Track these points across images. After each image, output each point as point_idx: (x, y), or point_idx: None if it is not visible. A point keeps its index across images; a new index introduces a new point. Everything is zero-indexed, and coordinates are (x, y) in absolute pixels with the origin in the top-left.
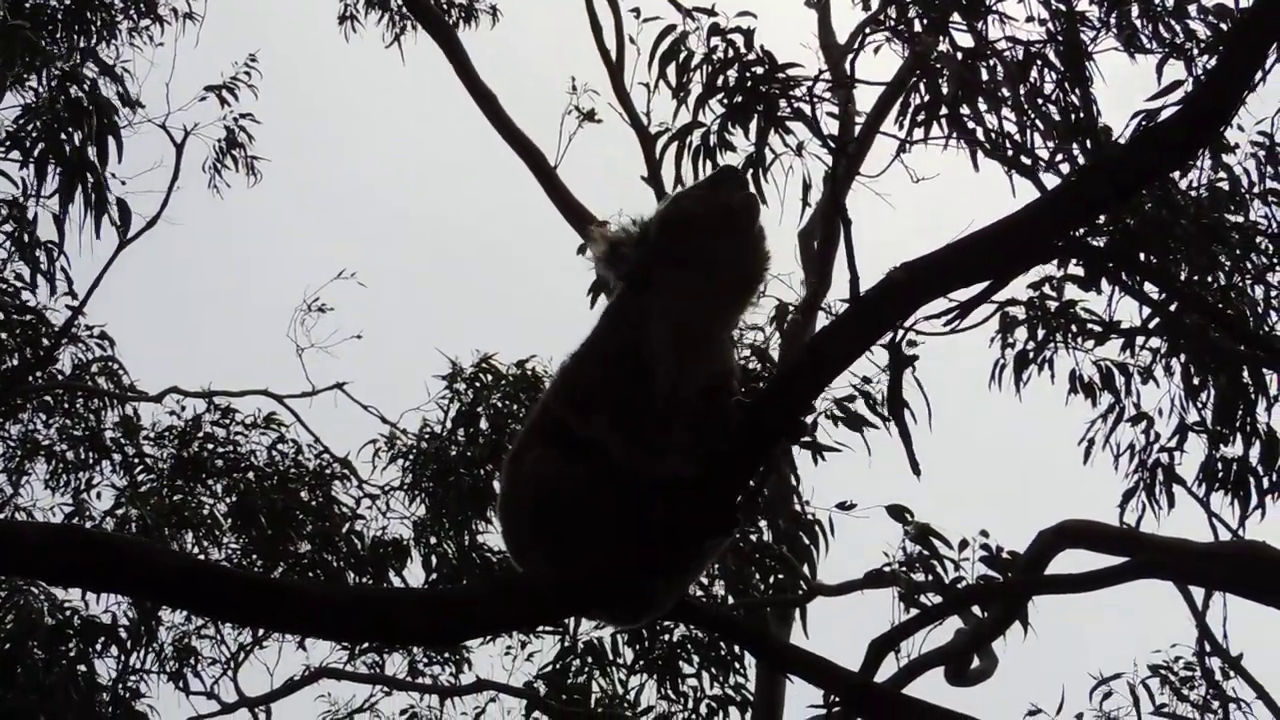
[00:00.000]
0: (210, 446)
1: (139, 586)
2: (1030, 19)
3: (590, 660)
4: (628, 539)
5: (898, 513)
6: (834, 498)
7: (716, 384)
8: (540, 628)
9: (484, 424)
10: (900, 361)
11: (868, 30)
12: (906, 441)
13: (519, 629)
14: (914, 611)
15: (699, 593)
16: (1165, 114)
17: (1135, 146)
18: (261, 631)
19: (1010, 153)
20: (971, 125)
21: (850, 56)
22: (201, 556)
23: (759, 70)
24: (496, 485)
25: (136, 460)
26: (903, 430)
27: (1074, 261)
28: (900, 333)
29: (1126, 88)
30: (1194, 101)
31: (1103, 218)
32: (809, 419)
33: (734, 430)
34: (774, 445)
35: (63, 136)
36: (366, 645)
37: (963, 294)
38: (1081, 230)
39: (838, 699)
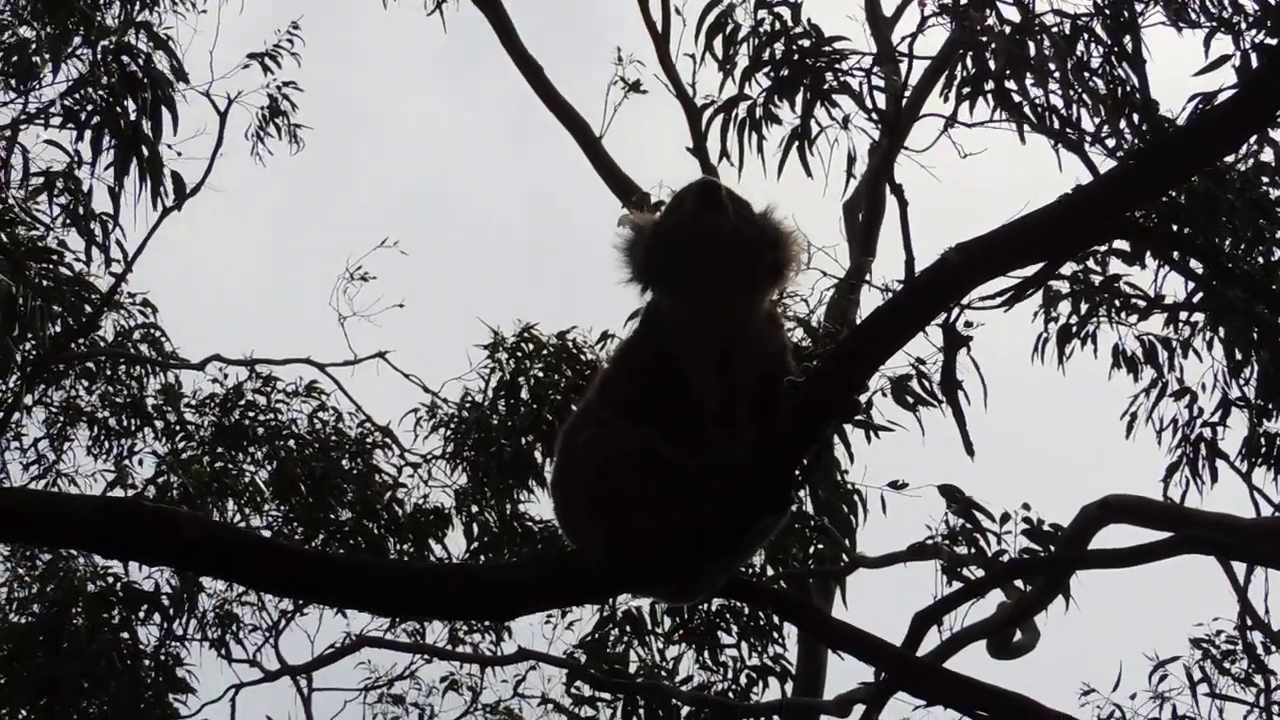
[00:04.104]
0: (251, 414)
1: (191, 562)
2: None
3: (629, 629)
4: (680, 519)
5: (949, 493)
6: (879, 471)
7: (770, 372)
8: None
9: (525, 394)
10: (955, 342)
11: (922, 15)
12: (960, 422)
13: (570, 604)
14: (956, 585)
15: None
16: (1223, 96)
17: (1193, 129)
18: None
19: (1057, 127)
20: (1018, 99)
21: (910, 39)
22: (246, 527)
23: (805, 43)
24: (538, 455)
25: (178, 427)
26: (956, 411)
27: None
28: (955, 313)
29: (1173, 61)
30: (1253, 85)
31: None
32: (863, 398)
33: (788, 412)
34: (828, 426)
35: (118, 110)
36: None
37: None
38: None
39: (889, 674)
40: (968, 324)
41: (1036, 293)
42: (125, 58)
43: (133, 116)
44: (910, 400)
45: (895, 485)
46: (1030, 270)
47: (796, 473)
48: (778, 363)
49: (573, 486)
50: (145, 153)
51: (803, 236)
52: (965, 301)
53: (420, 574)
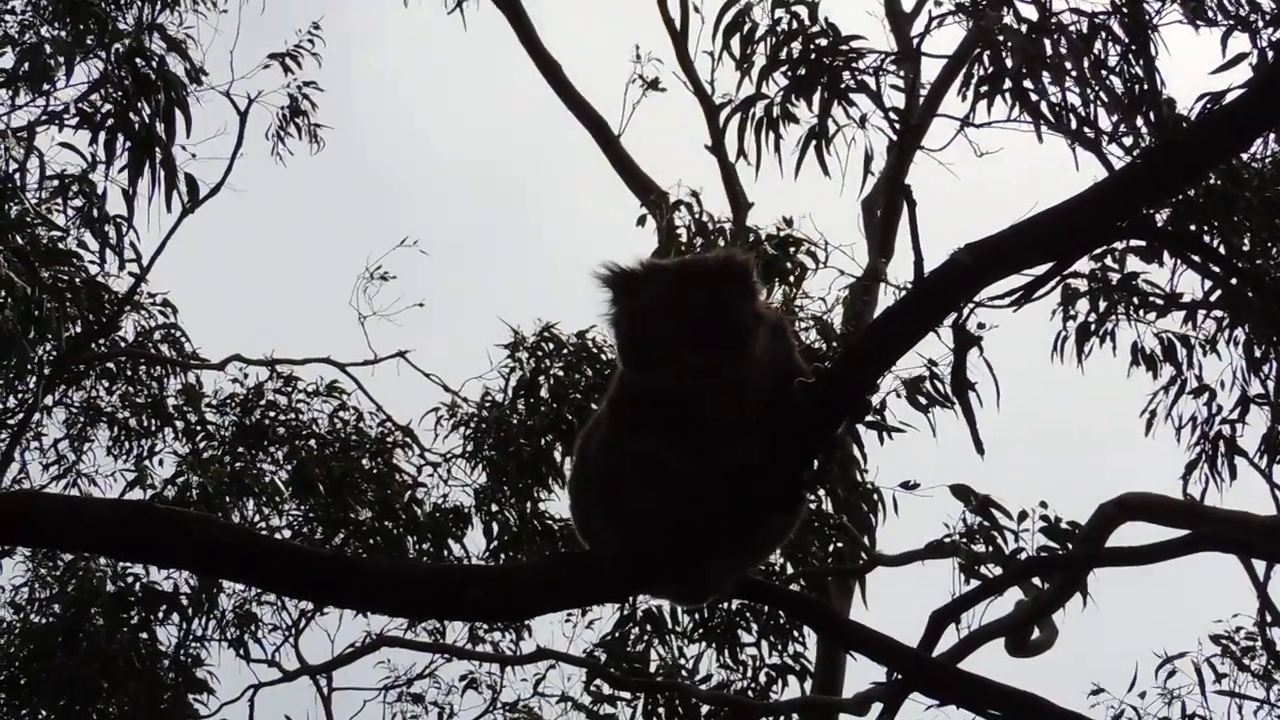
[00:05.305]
0: (272, 414)
1: (206, 566)
2: None
3: (649, 629)
4: (691, 520)
5: (962, 493)
6: (896, 472)
7: (780, 379)
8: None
9: (545, 393)
10: (965, 342)
11: (930, 15)
12: (971, 422)
13: (585, 604)
14: (974, 583)
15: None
16: (1233, 94)
17: (1206, 127)
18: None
19: (1074, 125)
20: (1035, 98)
21: (918, 39)
22: (264, 528)
23: (823, 42)
24: (557, 454)
25: (198, 428)
26: (967, 410)
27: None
28: (965, 313)
29: (1190, 60)
30: (1267, 82)
31: None
32: (874, 398)
33: (798, 414)
34: (838, 426)
35: (131, 115)
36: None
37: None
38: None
39: (902, 675)
40: (979, 325)
41: (1049, 293)
42: (138, 60)
43: (146, 119)
44: (922, 401)
45: (907, 485)
46: (1041, 269)
47: (809, 473)
48: (787, 367)
49: (586, 491)
50: (158, 155)
51: (746, 256)
52: (976, 301)
53: (437, 574)
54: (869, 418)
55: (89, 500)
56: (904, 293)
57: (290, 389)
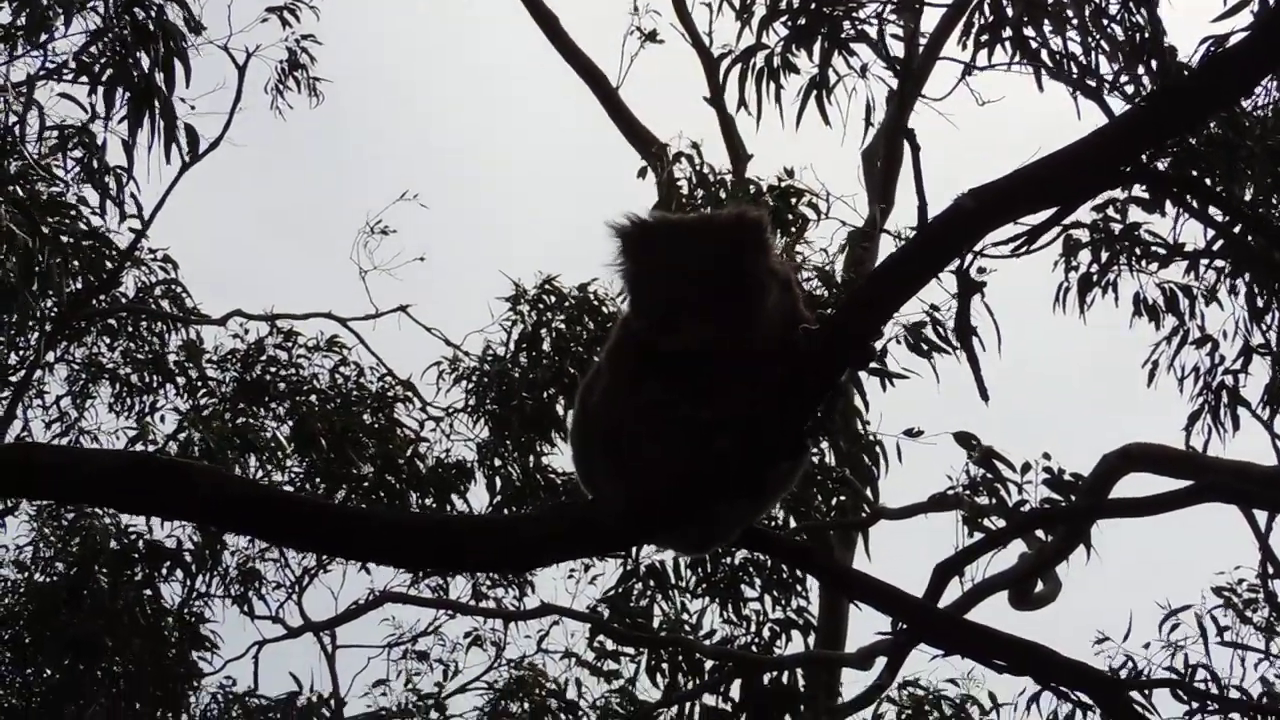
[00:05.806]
0: (273, 370)
1: (212, 516)
2: None
3: (653, 584)
4: (696, 468)
5: (965, 440)
6: (900, 424)
7: (786, 329)
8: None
9: (546, 346)
10: (969, 288)
11: None
12: (975, 368)
13: (588, 556)
14: (977, 535)
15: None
16: (1235, 39)
17: (1206, 72)
18: (326, 556)
19: (1075, 74)
20: (1036, 46)
21: None
22: (266, 481)
23: None
24: (559, 407)
25: (200, 383)
26: (971, 357)
27: (1137, 185)
28: (969, 259)
29: (1192, 7)
30: (1267, 26)
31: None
32: (878, 344)
33: (802, 359)
34: (842, 373)
35: (130, 62)
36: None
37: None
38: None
39: (907, 625)
40: (979, 269)
41: (1051, 243)
42: (137, 9)
43: (145, 69)
44: (925, 347)
45: (910, 433)
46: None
47: (813, 420)
48: (793, 317)
49: (588, 444)
50: (158, 105)
51: (759, 212)
52: (978, 248)
53: (440, 525)
54: (872, 364)
55: (91, 451)
56: (907, 239)
57: (291, 344)
